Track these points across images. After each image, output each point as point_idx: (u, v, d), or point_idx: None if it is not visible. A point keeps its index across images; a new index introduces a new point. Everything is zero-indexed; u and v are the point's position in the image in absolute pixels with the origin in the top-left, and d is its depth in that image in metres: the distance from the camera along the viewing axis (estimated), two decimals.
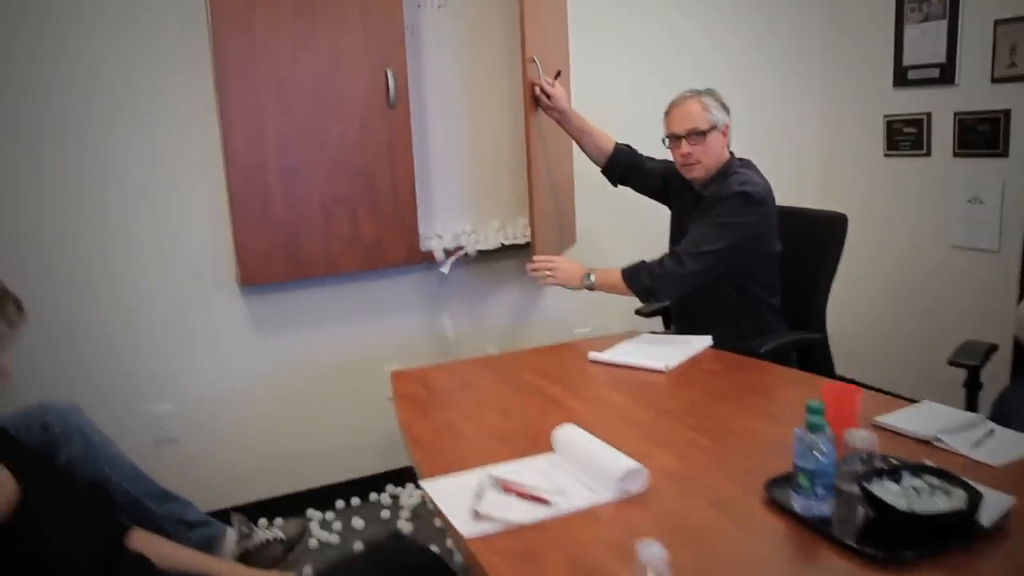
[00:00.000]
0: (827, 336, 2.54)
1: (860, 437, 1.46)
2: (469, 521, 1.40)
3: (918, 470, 1.39)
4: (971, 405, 2.24)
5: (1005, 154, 2.95)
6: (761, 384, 2.06)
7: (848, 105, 3.54)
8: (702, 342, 2.32)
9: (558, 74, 2.67)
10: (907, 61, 3.25)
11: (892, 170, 3.38)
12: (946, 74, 3.10)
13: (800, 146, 3.65)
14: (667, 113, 2.45)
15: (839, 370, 2.66)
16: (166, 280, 2.73)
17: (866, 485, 1.31)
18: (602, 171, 2.77)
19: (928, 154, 3.23)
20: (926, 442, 1.61)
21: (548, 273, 2.48)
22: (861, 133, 3.50)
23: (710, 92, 2.41)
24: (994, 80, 2.94)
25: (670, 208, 2.69)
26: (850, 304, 3.43)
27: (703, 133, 2.37)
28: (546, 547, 1.30)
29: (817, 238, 2.50)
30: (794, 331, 2.48)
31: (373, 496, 3.09)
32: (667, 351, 2.25)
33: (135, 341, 2.72)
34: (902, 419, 1.71)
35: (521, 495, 1.49)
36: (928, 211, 3.25)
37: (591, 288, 2.45)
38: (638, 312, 2.77)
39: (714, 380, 2.09)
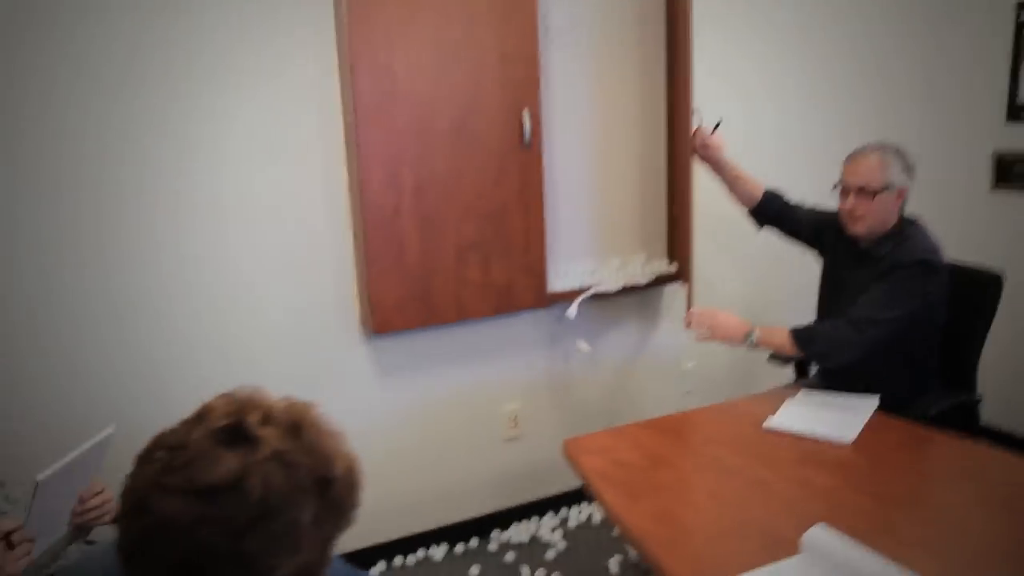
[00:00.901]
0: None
1: None
2: None
3: None
4: None
5: None
6: (959, 463, 2.03)
7: (952, 138, 3.51)
8: (870, 404, 2.28)
9: (718, 124, 2.60)
10: (1022, 98, 3.22)
11: (1001, 203, 3.35)
12: None
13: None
14: (847, 160, 2.39)
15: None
16: (290, 330, 2.64)
17: None
18: (749, 213, 2.71)
19: None
20: None
21: (707, 329, 2.43)
22: (966, 169, 3.46)
23: (897, 151, 2.34)
24: None
25: (821, 256, 2.64)
26: None
27: (872, 193, 2.31)
28: None
29: (972, 296, 2.46)
30: (950, 390, 2.44)
31: (489, 536, 3.05)
32: (840, 418, 2.21)
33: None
34: None
35: None
36: None
37: (752, 347, 2.40)
38: (772, 358, 2.72)
39: (909, 456, 2.06)
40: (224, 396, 0.96)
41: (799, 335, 2.33)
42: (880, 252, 2.35)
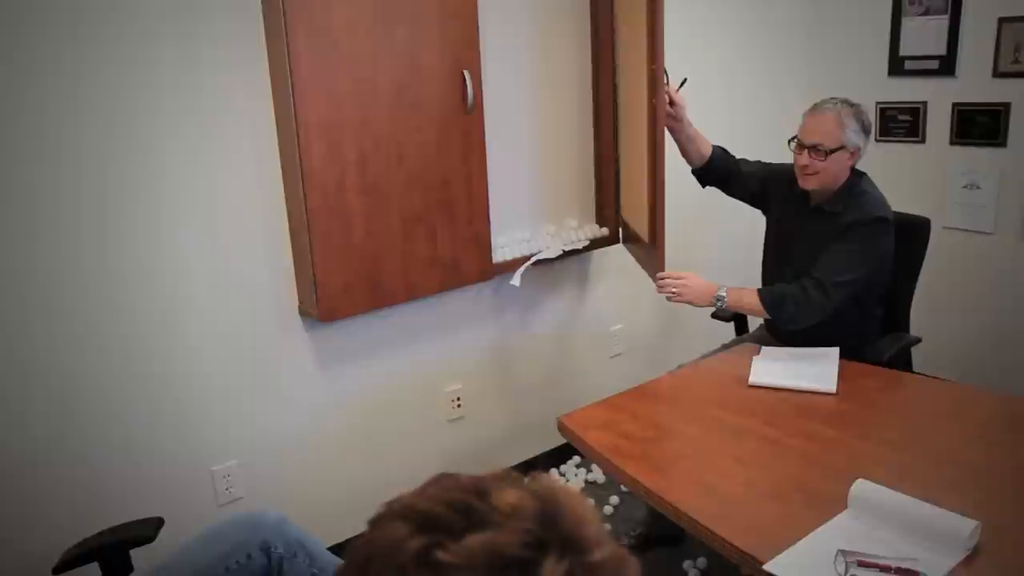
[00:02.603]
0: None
1: None
2: None
3: None
4: None
5: (1004, 144, 3.21)
6: (939, 403, 2.14)
7: (838, 92, 3.67)
8: (832, 353, 2.35)
9: (684, 82, 2.55)
10: (904, 51, 3.42)
11: (883, 154, 3.56)
12: (945, 66, 3.31)
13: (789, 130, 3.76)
14: (805, 115, 2.42)
15: None
16: (223, 322, 2.36)
17: None
18: (694, 172, 2.70)
19: (923, 141, 3.45)
20: None
21: (675, 291, 2.41)
22: None
23: (857, 111, 2.37)
24: (996, 75, 3.17)
25: (765, 213, 2.68)
26: None
27: (827, 152, 2.35)
28: None
29: (904, 242, 2.55)
30: (895, 334, 2.56)
31: None
32: (814, 368, 2.27)
33: (192, 395, 2.34)
34: None
35: (886, 569, 1.46)
36: (921, 194, 3.47)
37: (721, 308, 2.41)
38: (715, 316, 2.75)
39: (892, 400, 2.15)
40: (535, 492, 0.69)
41: (769, 299, 2.35)
42: (835, 208, 2.40)
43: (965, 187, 3.35)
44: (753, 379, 2.24)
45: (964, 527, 1.50)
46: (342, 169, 2.32)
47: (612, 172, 2.96)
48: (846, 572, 1.45)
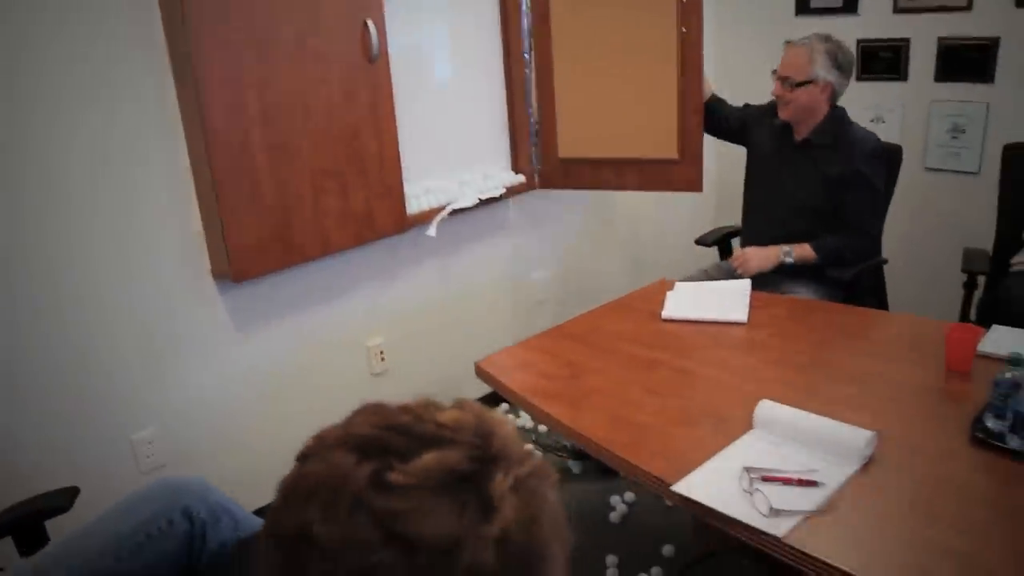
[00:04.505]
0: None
1: None
2: (771, 520, 1.41)
3: None
4: (967, 302, 2.62)
5: (904, 78, 3.30)
6: (846, 325, 2.22)
7: (746, 30, 3.73)
8: (743, 285, 2.41)
9: None
10: None
11: None
12: (849, 3, 3.37)
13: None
14: (784, 47, 2.58)
15: None
16: (135, 288, 2.29)
17: None
18: None
19: None
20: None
21: (738, 266, 2.58)
22: (761, 56, 3.70)
23: (832, 46, 2.48)
24: (896, 11, 3.24)
25: (748, 147, 2.83)
26: None
27: (794, 84, 2.48)
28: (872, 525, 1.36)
29: None
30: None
31: None
32: (725, 301, 2.32)
33: (108, 363, 2.28)
34: (994, 345, 1.92)
35: (788, 481, 1.52)
36: None
37: (789, 263, 2.56)
38: (699, 241, 2.84)
39: (800, 327, 2.21)
40: (469, 411, 0.71)
41: (824, 254, 2.53)
42: (824, 140, 2.54)
43: (872, 121, 3.44)
44: (666, 313, 2.29)
45: (861, 437, 1.57)
46: (246, 125, 2.26)
47: (525, 116, 2.96)
48: (750, 487, 1.50)
